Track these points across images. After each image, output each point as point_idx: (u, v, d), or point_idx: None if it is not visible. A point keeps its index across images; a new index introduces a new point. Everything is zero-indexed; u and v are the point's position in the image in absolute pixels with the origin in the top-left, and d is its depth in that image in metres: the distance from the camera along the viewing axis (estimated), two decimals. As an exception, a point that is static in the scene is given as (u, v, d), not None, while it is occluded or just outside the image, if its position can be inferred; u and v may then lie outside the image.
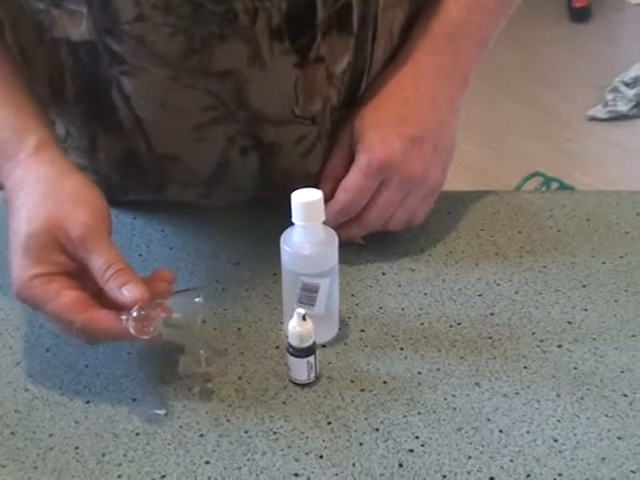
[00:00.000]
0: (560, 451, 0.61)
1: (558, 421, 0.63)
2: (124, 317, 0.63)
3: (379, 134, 0.78)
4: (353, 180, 0.78)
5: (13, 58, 0.79)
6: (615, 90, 3.11)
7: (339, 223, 0.79)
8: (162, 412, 0.66)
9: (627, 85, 3.11)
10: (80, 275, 0.67)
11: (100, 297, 0.66)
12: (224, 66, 0.76)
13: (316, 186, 0.71)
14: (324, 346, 0.71)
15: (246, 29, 0.74)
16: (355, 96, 0.82)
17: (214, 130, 0.80)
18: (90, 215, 0.68)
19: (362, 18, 0.78)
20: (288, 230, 0.69)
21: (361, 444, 0.62)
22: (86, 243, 0.67)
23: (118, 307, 0.65)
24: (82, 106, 0.82)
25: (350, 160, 0.80)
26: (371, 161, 0.77)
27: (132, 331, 0.63)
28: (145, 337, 0.63)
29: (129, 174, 0.86)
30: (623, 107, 3.07)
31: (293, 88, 0.78)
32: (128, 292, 0.64)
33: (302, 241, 0.68)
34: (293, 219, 0.68)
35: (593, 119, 3.09)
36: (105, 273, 0.65)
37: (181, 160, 0.83)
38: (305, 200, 0.67)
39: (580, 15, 3.99)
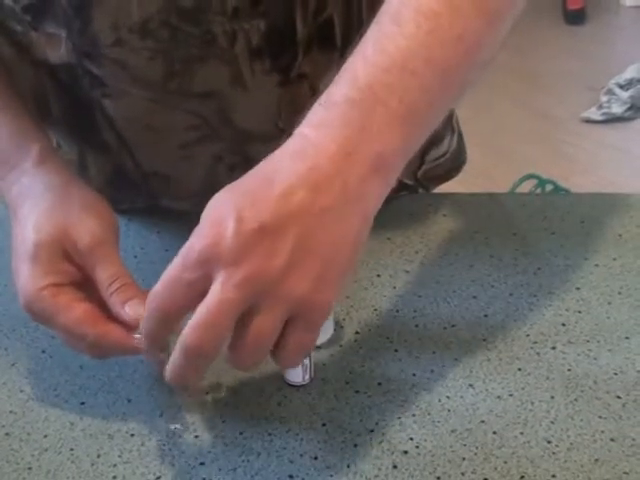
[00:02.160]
0: (554, 452, 0.61)
1: (552, 422, 0.63)
2: (137, 336, 0.62)
3: (215, 216, 0.57)
4: (169, 270, 0.57)
5: (7, 70, 0.79)
6: (610, 92, 3.13)
7: (159, 327, 0.58)
8: (181, 427, 0.65)
9: (622, 87, 3.12)
10: (88, 286, 0.66)
11: (106, 308, 0.65)
12: (205, 88, 0.76)
13: None
14: (319, 348, 0.71)
15: (225, 51, 0.74)
16: None
17: (200, 149, 0.80)
18: (99, 225, 0.67)
19: (345, 33, 0.77)
20: None
21: (355, 445, 0.62)
22: (93, 253, 0.65)
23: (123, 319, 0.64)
24: (67, 126, 0.82)
25: None
26: (192, 246, 0.55)
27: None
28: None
29: (120, 188, 0.86)
30: (617, 109, 3.08)
31: (276, 105, 0.78)
32: (130, 309, 0.63)
33: None
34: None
35: (588, 121, 3.10)
36: (110, 287, 0.64)
37: (169, 177, 0.83)
38: None
39: (575, 17, 4.00)
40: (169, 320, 0.57)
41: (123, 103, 0.77)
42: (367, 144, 0.57)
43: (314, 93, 0.76)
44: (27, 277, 0.65)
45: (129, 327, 0.63)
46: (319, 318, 0.57)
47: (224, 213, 0.56)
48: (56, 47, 0.75)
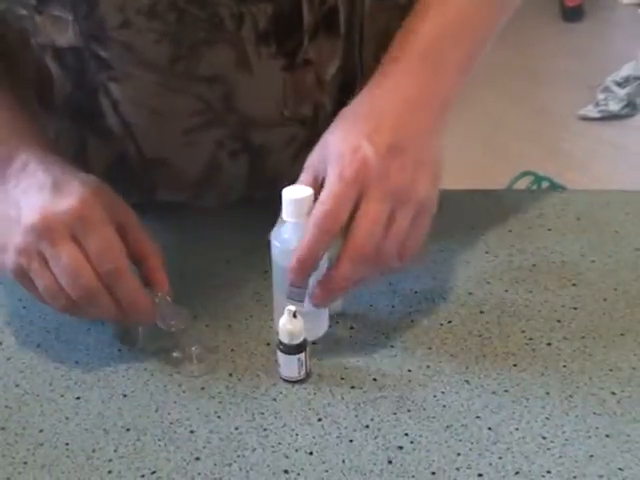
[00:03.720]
0: (549, 448, 0.61)
1: (547, 418, 0.64)
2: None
3: (349, 144, 0.68)
4: (328, 190, 0.66)
5: (6, 63, 0.78)
6: (607, 89, 3.13)
7: (322, 245, 0.67)
8: (180, 355, 0.70)
9: (619, 85, 3.12)
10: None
11: None
12: (211, 71, 0.76)
13: None
14: (314, 343, 0.71)
15: (232, 34, 0.74)
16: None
17: (203, 134, 0.80)
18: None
19: (349, 21, 0.78)
20: (278, 226, 0.69)
21: (351, 441, 0.62)
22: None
23: None
24: (70, 111, 0.81)
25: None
26: (344, 169, 0.66)
27: None
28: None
29: (119, 178, 0.86)
30: (614, 106, 3.08)
31: (281, 91, 0.78)
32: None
33: (292, 237, 0.68)
34: (283, 215, 0.68)
35: (584, 118, 3.10)
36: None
37: (170, 164, 0.83)
38: (295, 197, 0.67)
39: (573, 14, 4.00)
40: (331, 234, 0.66)
41: (129, 86, 0.77)
42: (438, 90, 0.74)
43: (319, 80, 0.78)
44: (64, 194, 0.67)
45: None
46: (433, 211, 0.71)
47: (356, 142, 0.67)
48: (63, 30, 0.75)
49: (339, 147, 0.68)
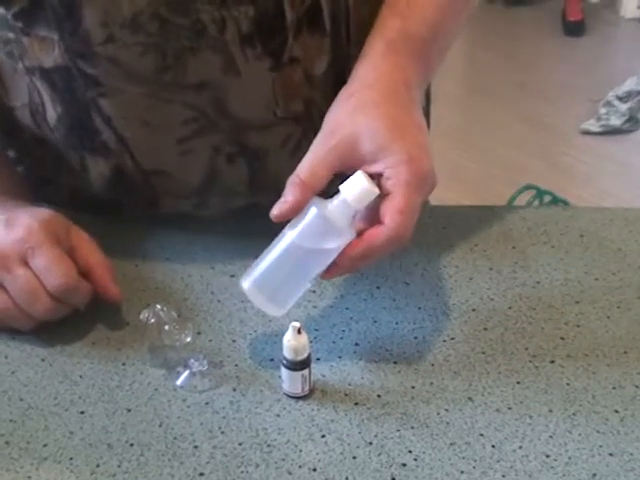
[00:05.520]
0: (552, 467, 0.61)
1: (550, 437, 0.64)
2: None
3: (410, 144, 0.69)
4: (406, 198, 0.67)
5: None
6: (608, 104, 3.13)
7: (387, 253, 0.70)
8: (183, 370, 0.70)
9: (620, 99, 3.13)
10: None
11: None
12: (199, 78, 0.77)
13: None
14: (318, 359, 0.71)
15: (216, 39, 0.75)
16: None
17: (198, 142, 0.81)
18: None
19: (333, 17, 0.79)
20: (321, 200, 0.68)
21: (354, 457, 0.62)
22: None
23: None
24: (65, 131, 0.82)
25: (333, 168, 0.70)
26: (416, 173, 0.68)
27: None
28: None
29: (121, 191, 0.86)
30: (616, 121, 3.08)
31: (271, 91, 0.79)
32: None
33: (337, 215, 0.67)
34: (345, 191, 0.67)
35: (586, 133, 3.10)
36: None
37: (169, 174, 0.84)
38: (371, 188, 0.67)
39: (574, 29, 4.01)
40: (404, 239, 0.68)
41: (119, 101, 0.78)
42: (428, 75, 0.78)
43: (308, 79, 0.79)
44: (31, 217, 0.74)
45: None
46: None
47: (412, 143, 0.69)
48: (49, 50, 0.76)
49: (400, 146, 0.69)
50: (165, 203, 0.88)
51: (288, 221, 0.68)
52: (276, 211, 0.68)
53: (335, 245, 0.67)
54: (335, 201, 0.67)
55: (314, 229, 0.67)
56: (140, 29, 0.74)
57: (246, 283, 0.69)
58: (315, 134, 0.77)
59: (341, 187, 0.67)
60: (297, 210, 0.67)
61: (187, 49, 0.75)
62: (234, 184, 0.85)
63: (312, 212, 0.67)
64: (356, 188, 0.67)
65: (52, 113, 0.81)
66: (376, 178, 0.68)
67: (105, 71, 0.76)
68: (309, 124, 0.82)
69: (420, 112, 0.74)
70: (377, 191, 0.67)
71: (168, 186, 0.85)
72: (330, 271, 0.69)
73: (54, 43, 0.76)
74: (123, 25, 0.73)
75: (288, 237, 0.67)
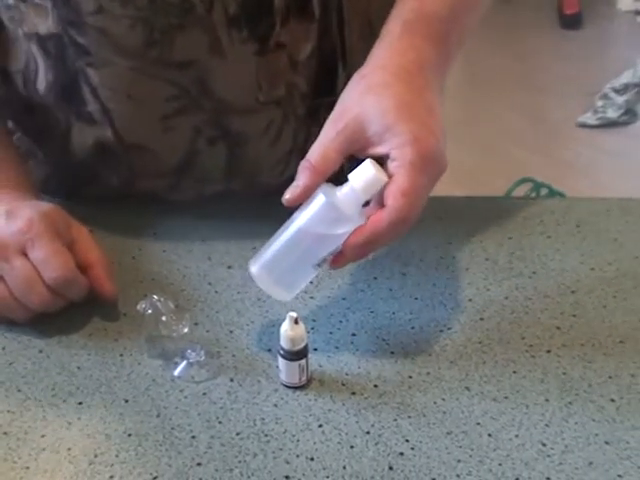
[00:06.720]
0: (548, 455, 0.61)
1: (546, 425, 0.64)
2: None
3: (416, 124, 0.68)
4: (410, 179, 0.66)
5: None
6: (605, 97, 3.13)
7: (394, 237, 0.69)
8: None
9: (617, 92, 3.13)
10: None
11: None
12: (185, 56, 0.78)
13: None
14: (315, 349, 0.71)
15: (203, 19, 0.76)
16: (332, 83, 0.82)
17: (180, 120, 0.82)
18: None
19: (323, 3, 0.79)
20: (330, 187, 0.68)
21: (352, 447, 0.62)
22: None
23: None
24: (55, 97, 0.84)
25: (343, 151, 0.69)
26: (421, 154, 0.66)
27: None
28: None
29: (100, 163, 0.87)
30: (613, 114, 3.09)
31: (255, 76, 0.80)
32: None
33: (345, 203, 0.67)
34: (354, 180, 0.67)
35: (583, 125, 3.10)
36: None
37: (149, 150, 0.85)
38: (379, 176, 0.66)
39: (571, 22, 4.01)
40: (409, 222, 0.68)
41: (106, 72, 0.79)
42: (448, 57, 0.75)
43: (292, 64, 0.79)
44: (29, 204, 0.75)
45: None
46: None
47: (419, 124, 0.67)
48: (43, 17, 0.78)
49: (407, 127, 0.67)
50: (140, 181, 0.88)
51: (296, 208, 0.68)
52: (288, 195, 0.68)
53: (344, 231, 0.67)
54: (344, 189, 0.67)
55: (323, 216, 0.67)
56: (130, 2, 0.75)
57: (254, 267, 0.69)
58: (295, 117, 0.77)
59: (350, 175, 0.67)
60: (308, 194, 0.67)
61: (175, 26, 0.76)
62: (211, 168, 0.86)
63: (320, 199, 0.67)
64: (363, 176, 0.67)
65: (42, 80, 0.82)
66: (385, 162, 0.68)
67: (95, 41, 0.77)
68: (290, 108, 0.83)
69: (435, 94, 0.72)
70: (385, 179, 0.67)
71: (146, 162, 0.86)
72: (338, 260, 0.69)
73: (48, 11, 0.77)
74: None
75: (297, 223, 0.67)
